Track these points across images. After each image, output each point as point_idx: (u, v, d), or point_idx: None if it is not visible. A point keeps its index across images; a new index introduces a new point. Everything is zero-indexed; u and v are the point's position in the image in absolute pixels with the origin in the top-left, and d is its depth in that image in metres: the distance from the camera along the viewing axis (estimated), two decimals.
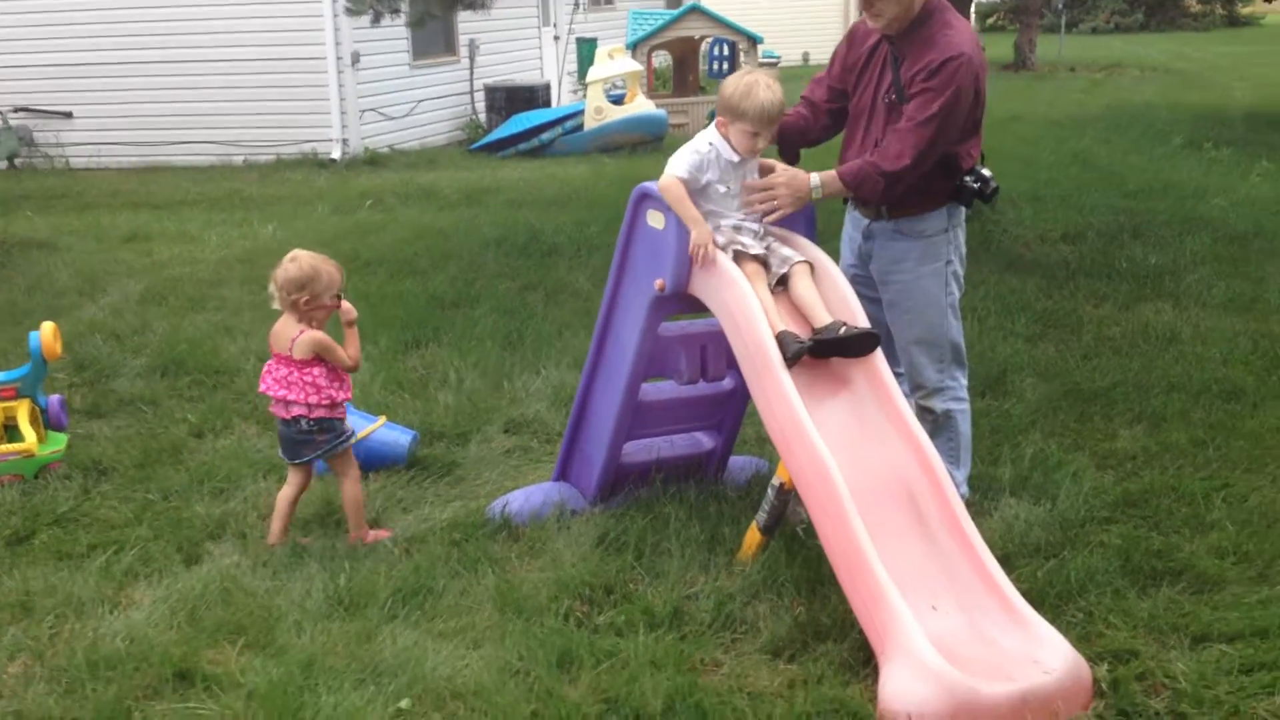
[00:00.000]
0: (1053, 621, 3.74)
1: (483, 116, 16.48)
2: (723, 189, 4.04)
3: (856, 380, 3.95)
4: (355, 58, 14.21)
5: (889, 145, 4.03)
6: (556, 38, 19.14)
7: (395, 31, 14.14)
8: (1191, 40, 34.27)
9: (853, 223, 4.37)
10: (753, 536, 4.16)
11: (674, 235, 4.02)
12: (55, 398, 5.48)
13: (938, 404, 4.36)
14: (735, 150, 4.01)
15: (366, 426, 5.04)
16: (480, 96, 16.55)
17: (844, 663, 3.56)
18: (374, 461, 5.02)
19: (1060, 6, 29.01)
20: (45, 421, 5.32)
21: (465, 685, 3.46)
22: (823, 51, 31.28)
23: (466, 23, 16.12)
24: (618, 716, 3.33)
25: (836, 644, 3.62)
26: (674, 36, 16.70)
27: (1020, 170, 11.92)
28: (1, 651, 3.74)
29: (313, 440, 4.38)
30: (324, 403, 4.34)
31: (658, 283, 4.09)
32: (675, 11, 17.52)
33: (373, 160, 14.26)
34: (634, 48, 16.30)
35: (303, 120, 14.41)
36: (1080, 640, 3.62)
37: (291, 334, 4.31)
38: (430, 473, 5.04)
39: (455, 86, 16.54)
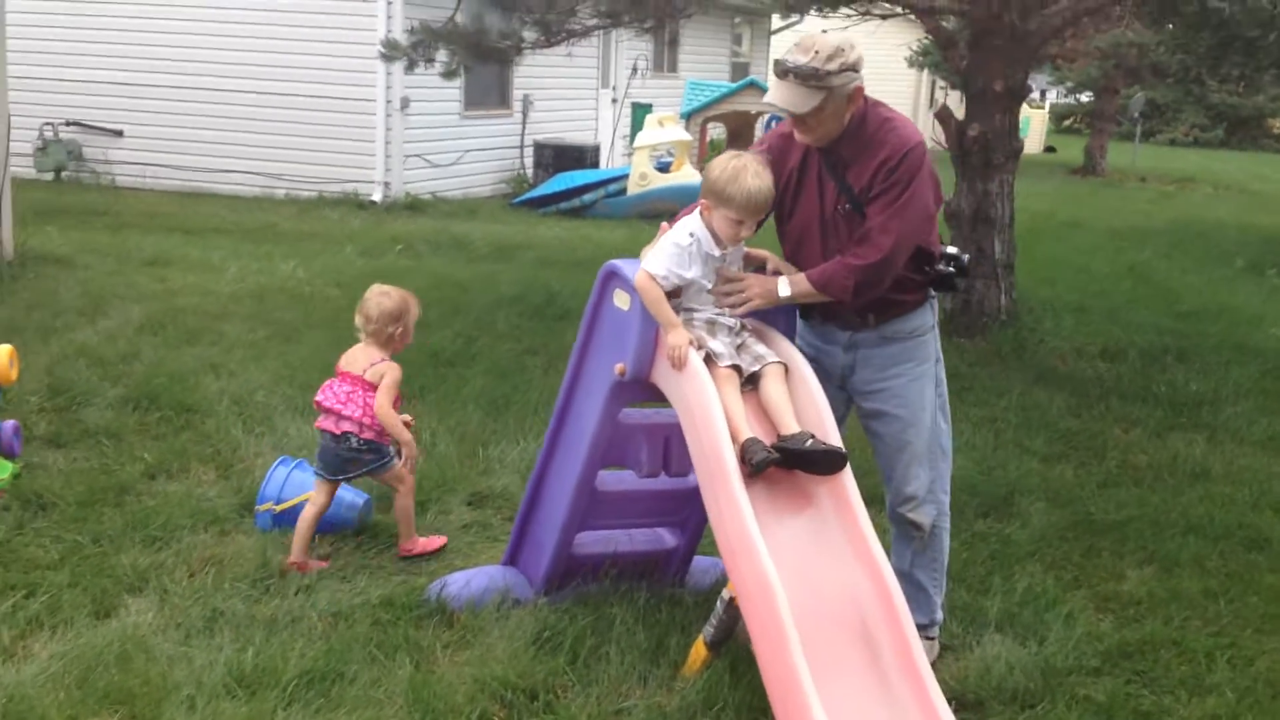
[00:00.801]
0: None
1: (530, 172, 16.38)
2: (707, 284, 3.74)
3: (820, 496, 3.61)
4: (405, 103, 14.17)
5: (859, 246, 3.76)
6: (614, 100, 19.08)
7: (448, 80, 14.09)
8: (1272, 161, 33.74)
9: (824, 339, 4.01)
10: (699, 651, 3.83)
11: (638, 318, 3.73)
12: (9, 424, 5.25)
13: (926, 518, 4.03)
14: (717, 241, 3.71)
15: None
16: (530, 152, 16.46)
17: None
18: (322, 525, 4.72)
19: (1137, 115, 28.64)
20: None
21: None
22: None
23: (522, 78, 16.11)
24: None
25: None
26: (729, 110, 16.58)
27: (1071, 278, 11.56)
28: None
29: (360, 459, 4.53)
30: (376, 426, 4.48)
31: (618, 367, 3.79)
32: (732, 85, 17.40)
33: (412, 205, 14.17)
34: (688, 118, 16.17)
35: (347, 160, 14.38)
36: None
37: (372, 359, 4.56)
38: (379, 542, 4.74)
39: (505, 139, 16.48)
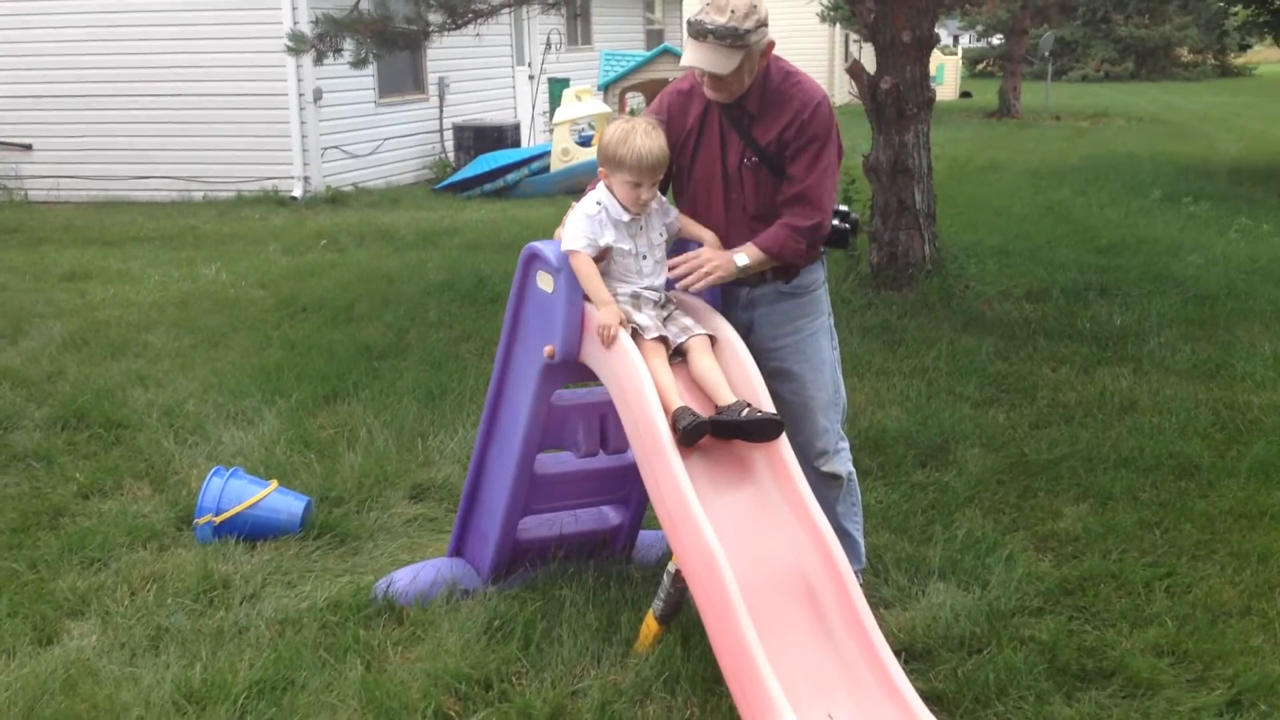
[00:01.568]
0: None
1: (451, 155, 16.26)
2: (626, 246, 3.74)
3: (757, 464, 3.63)
4: (318, 94, 14.00)
5: (798, 207, 3.81)
6: (531, 77, 18.96)
7: (358, 69, 13.96)
8: (1182, 90, 34.30)
9: (725, 299, 4.01)
10: (649, 626, 3.83)
11: (564, 300, 3.72)
12: None
13: (842, 467, 4.11)
14: (624, 207, 3.73)
15: (255, 492, 4.73)
16: (449, 135, 16.33)
17: None
18: (263, 531, 4.70)
19: (1047, 54, 28.93)
20: None
21: None
22: None
23: (436, 61, 15.96)
24: None
25: None
26: (646, 79, 16.53)
27: (992, 222, 11.69)
28: None
29: None
30: None
31: (547, 350, 3.79)
32: (647, 54, 17.35)
33: (334, 199, 14.01)
34: (605, 89, 16.12)
35: (264, 157, 14.19)
36: None
37: None
38: (323, 543, 4.71)
39: (423, 125, 16.34)
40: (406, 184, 15.71)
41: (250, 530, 4.68)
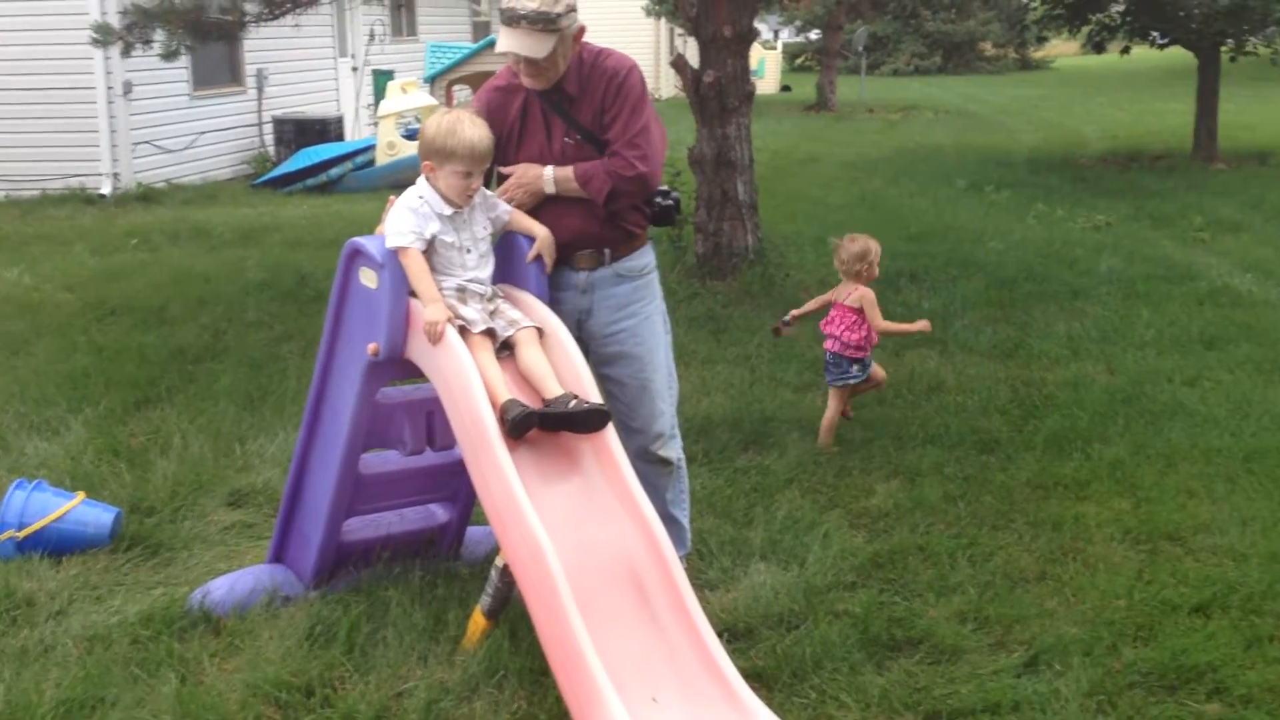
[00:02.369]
0: (785, 703, 3.60)
1: (272, 149, 15.88)
2: (448, 238, 3.75)
3: (585, 457, 3.68)
4: (127, 88, 13.49)
5: (616, 160, 3.92)
6: (354, 69, 18.63)
7: (170, 61, 13.50)
8: (985, 83, 35.64)
9: (559, 284, 4.08)
10: (477, 622, 3.85)
11: (388, 296, 3.70)
12: None
13: (674, 452, 4.21)
14: (446, 200, 3.75)
15: (60, 505, 4.56)
16: (269, 129, 15.94)
17: None
18: (70, 545, 4.53)
19: (861, 49, 29.78)
20: None
21: None
22: None
23: (254, 52, 15.53)
24: None
25: None
26: (473, 71, 16.38)
27: (811, 212, 12.01)
28: None
29: (850, 370, 5.67)
30: (860, 344, 5.63)
31: (371, 347, 3.76)
32: (474, 45, 17.23)
33: (146, 195, 13.53)
34: (432, 81, 15.94)
35: (70, 153, 13.59)
36: None
37: (850, 291, 5.66)
38: (134, 556, 4.55)
39: (241, 118, 15.90)
40: (224, 179, 15.27)
41: (56, 545, 4.50)
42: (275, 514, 4.81)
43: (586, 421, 3.65)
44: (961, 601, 4.16)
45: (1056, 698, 3.57)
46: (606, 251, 4.06)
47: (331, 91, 18.20)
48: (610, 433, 3.70)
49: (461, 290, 3.76)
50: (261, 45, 15.14)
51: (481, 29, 23.16)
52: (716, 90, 8.54)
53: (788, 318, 5.89)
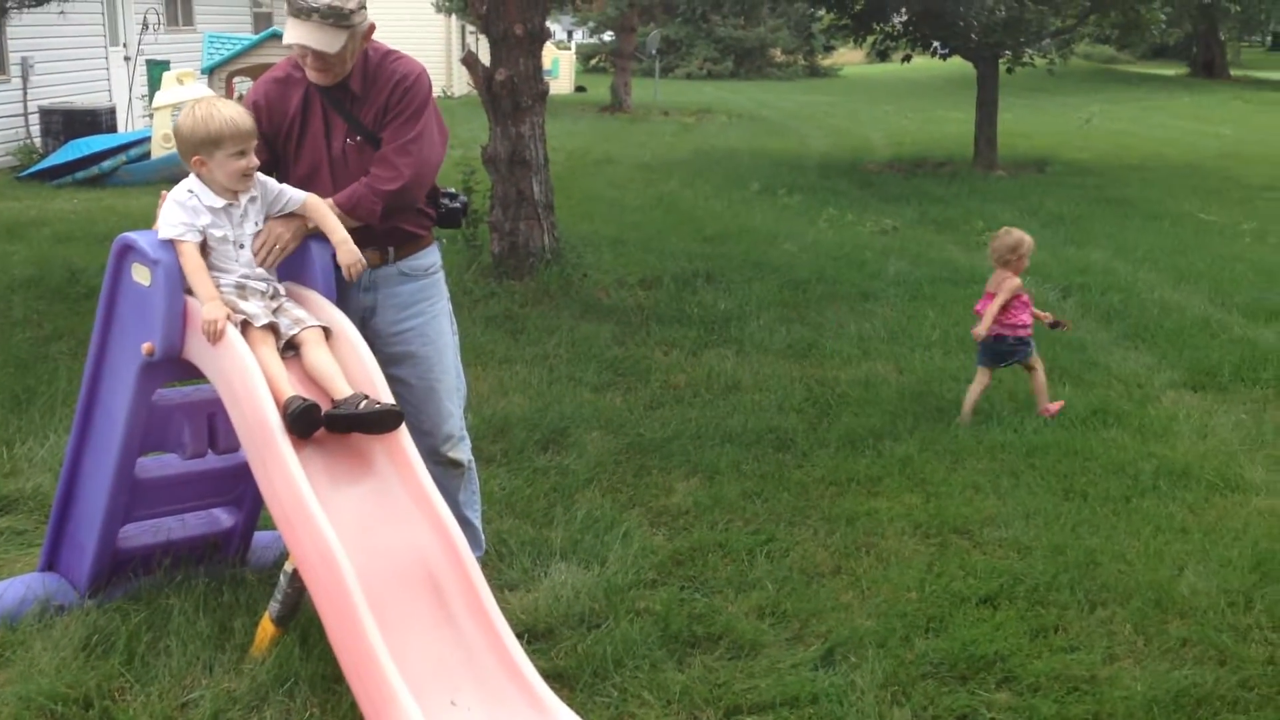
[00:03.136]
0: (586, 702, 3.57)
1: (39, 141, 15.02)
2: (218, 233, 3.59)
3: (378, 459, 3.57)
4: None
5: (381, 169, 3.82)
6: (127, 59, 17.80)
7: None
8: (776, 89, 36.62)
9: (345, 281, 3.92)
10: (265, 629, 3.71)
11: (162, 293, 3.52)
12: None
13: (465, 453, 4.15)
14: (220, 192, 3.60)
15: None
16: (36, 119, 15.07)
17: None
18: None
19: (654, 52, 30.15)
20: None
21: None
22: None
23: (18, 39, 14.69)
24: None
25: None
26: (254, 63, 15.88)
27: (607, 213, 12.06)
28: None
29: (1015, 351, 6.08)
30: (1023, 325, 6.07)
31: (145, 347, 3.57)
32: (255, 37, 16.70)
33: None
34: (210, 73, 15.37)
35: None
36: None
37: (1001, 280, 6.07)
38: None
39: (5, 108, 15.00)
40: None
41: None
42: (46, 520, 4.54)
43: (379, 423, 3.54)
44: (760, 597, 4.21)
45: (853, 689, 3.64)
46: (390, 249, 3.97)
47: (103, 82, 17.34)
48: (404, 433, 3.60)
49: (241, 286, 3.61)
50: (26, 33, 14.37)
51: (263, 20, 22.47)
52: (509, 89, 8.49)
53: (1053, 319, 6.32)
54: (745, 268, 9.47)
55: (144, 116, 17.30)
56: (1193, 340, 7.52)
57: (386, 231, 3.92)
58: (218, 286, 3.56)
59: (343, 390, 3.55)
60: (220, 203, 3.60)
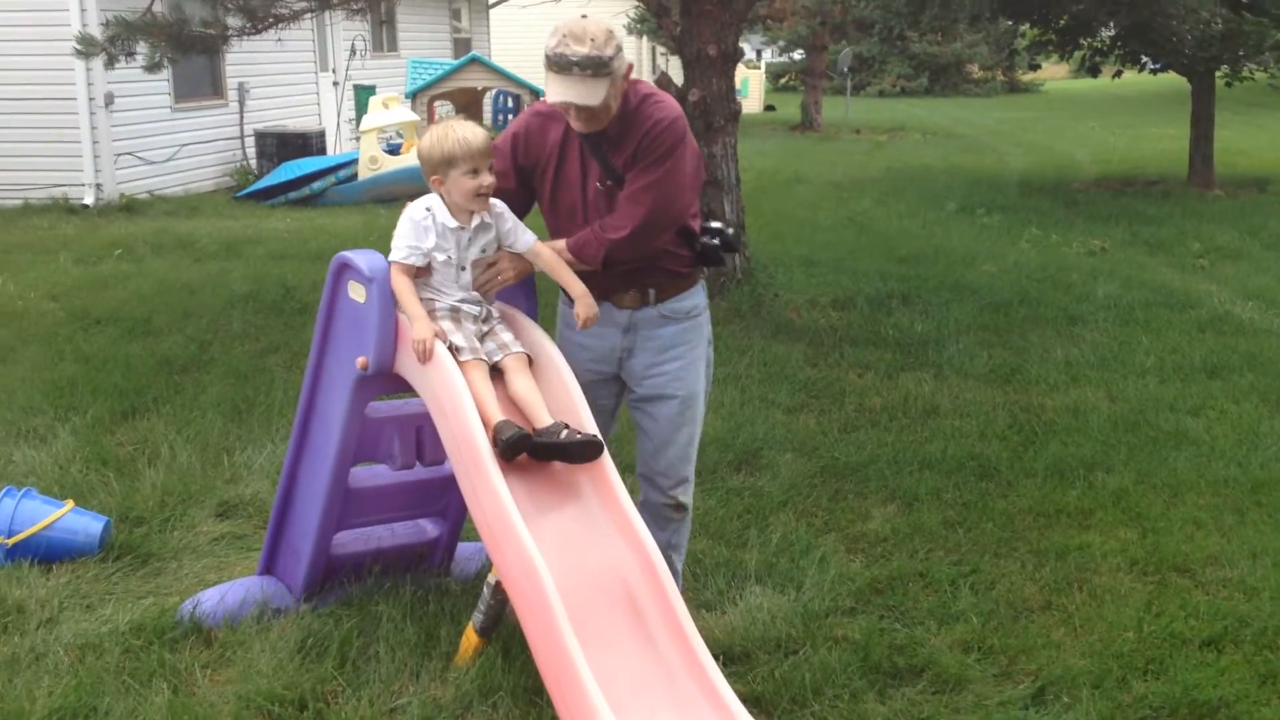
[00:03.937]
0: None
1: (254, 162, 15.80)
2: (441, 256, 3.65)
3: (580, 481, 3.60)
4: (109, 99, 13.42)
5: (614, 214, 3.73)
6: (335, 83, 18.58)
7: (152, 73, 13.43)
8: (973, 106, 35.83)
9: (604, 321, 3.85)
10: (469, 639, 3.78)
11: (376, 310, 3.63)
12: None
13: (689, 498, 4.05)
14: (455, 213, 3.64)
15: (50, 513, 4.48)
16: (251, 142, 15.87)
17: None
18: (59, 553, 4.46)
19: (846, 70, 29.89)
20: None
21: None
22: None
23: (236, 65, 15.49)
24: None
25: None
26: (455, 87, 16.42)
27: (797, 233, 11.98)
28: None
29: None
30: None
31: (360, 361, 3.69)
32: (456, 62, 17.23)
33: (129, 206, 13.44)
34: (413, 97, 15.92)
35: (53, 164, 13.52)
36: None
37: None
38: (123, 565, 4.48)
39: (223, 130, 15.82)
40: (206, 191, 15.17)
41: (45, 553, 4.44)
42: (264, 526, 4.74)
43: (580, 453, 3.54)
44: (964, 630, 4.08)
45: None
46: (651, 291, 3.87)
47: (313, 106, 18.14)
48: (606, 461, 3.61)
49: (455, 311, 3.67)
50: (243, 59, 15.11)
51: (463, 45, 23.14)
52: (702, 109, 8.51)
53: None
54: (942, 289, 9.26)
55: (352, 139, 18.01)
56: None
57: (647, 272, 3.82)
58: (433, 310, 3.64)
59: (544, 419, 3.57)
60: (454, 223, 3.63)
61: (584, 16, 3.68)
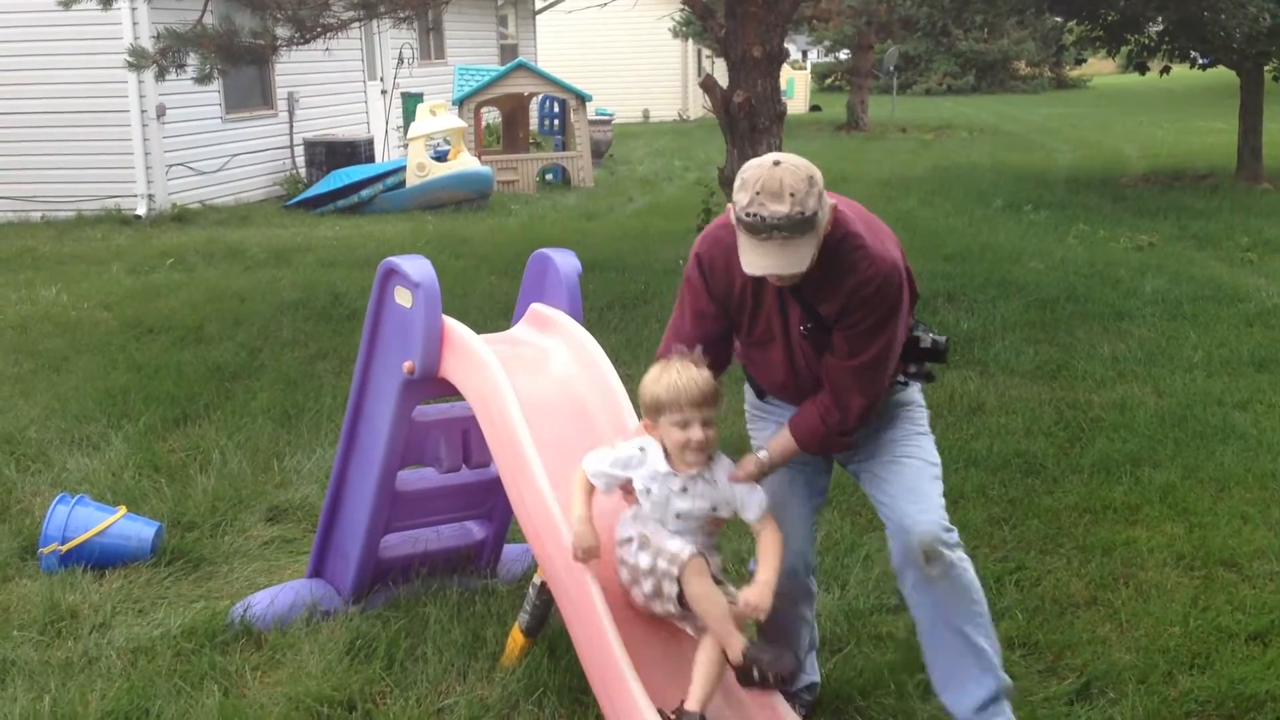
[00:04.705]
0: None
1: (303, 171, 15.98)
2: (642, 489, 3.34)
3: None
4: (161, 110, 13.63)
5: (839, 397, 3.28)
6: (384, 91, 18.75)
7: (203, 84, 13.63)
8: (1020, 102, 35.53)
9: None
10: (515, 639, 3.82)
11: (422, 314, 3.69)
12: None
13: (955, 551, 3.48)
14: (669, 459, 3.31)
15: (103, 519, 4.57)
16: (300, 151, 16.05)
17: None
18: (112, 559, 4.55)
19: (892, 69, 29.75)
20: None
21: None
22: (663, 109, 31.63)
23: (284, 75, 15.68)
24: None
25: None
26: (501, 93, 16.51)
27: None
28: None
29: None
30: None
31: (406, 365, 3.75)
32: (502, 68, 17.33)
33: (180, 216, 13.66)
34: (460, 104, 16.04)
35: (106, 175, 13.78)
36: None
37: None
38: (175, 569, 4.58)
39: (273, 140, 16.02)
40: (256, 201, 15.38)
41: (99, 558, 4.53)
42: (314, 529, 4.81)
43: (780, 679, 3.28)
44: (1010, 626, 4.07)
45: None
46: None
47: (361, 114, 18.32)
48: None
49: (646, 538, 3.35)
50: (292, 69, 15.29)
51: (509, 52, 23.28)
52: (747, 111, 8.51)
53: None
54: (989, 286, 9.20)
55: (399, 147, 18.18)
56: None
57: None
58: (630, 537, 3.38)
59: (736, 643, 3.26)
60: (664, 468, 3.30)
61: (776, 164, 3.04)
